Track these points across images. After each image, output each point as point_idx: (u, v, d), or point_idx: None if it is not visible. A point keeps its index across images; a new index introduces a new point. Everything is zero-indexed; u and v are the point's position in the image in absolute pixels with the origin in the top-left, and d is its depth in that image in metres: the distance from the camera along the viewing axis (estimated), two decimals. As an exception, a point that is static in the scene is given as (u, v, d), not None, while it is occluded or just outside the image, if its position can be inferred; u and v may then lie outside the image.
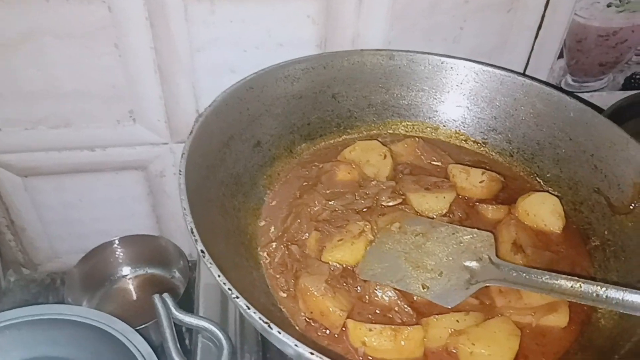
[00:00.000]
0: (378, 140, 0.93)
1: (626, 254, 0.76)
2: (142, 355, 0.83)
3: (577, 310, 0.71)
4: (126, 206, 1.19)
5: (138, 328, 0.86)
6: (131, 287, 1.20)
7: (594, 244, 0.81)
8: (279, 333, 0.49)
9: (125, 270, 1.20)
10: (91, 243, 1.16)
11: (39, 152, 1.05)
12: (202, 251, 0.56)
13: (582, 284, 0.61)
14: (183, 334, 1.04)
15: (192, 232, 0.58)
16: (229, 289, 0.53)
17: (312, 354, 0.48)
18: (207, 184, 0.74)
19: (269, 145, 0.89)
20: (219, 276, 0.54)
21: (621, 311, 0.57)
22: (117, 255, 1.17)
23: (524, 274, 0.65)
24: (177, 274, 1.21)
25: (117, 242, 1.15)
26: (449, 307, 0.67)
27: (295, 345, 0.48)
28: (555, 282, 0.62)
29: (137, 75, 0.96)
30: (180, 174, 0.65)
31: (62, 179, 1.11)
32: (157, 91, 0.99)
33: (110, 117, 1.02)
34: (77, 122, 1.01)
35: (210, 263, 0.55)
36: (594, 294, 0.60)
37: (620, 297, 0.58)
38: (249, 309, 0.51)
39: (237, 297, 0.52)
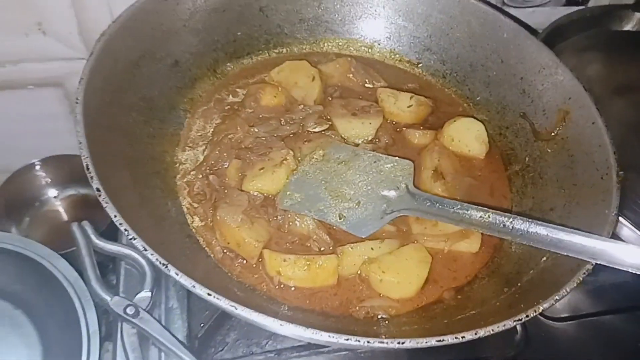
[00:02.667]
0: (307, 61, 0.88)
1: (543, 180, 0.77)
2: (67, 280, 0.81)
3: (489, 237, 0.73)
4: (46, 125, 1.12)
5: (65, 252, 0.83)
6: (61, 209, 1.16)
7: (514, 169, 0.82)
8: (177, 274, 0.48)
9: (52, 192, 1.15)
10: (12, 163, 1.11)
11: (-53, 69, 0.96)
12: (98, 189, 0.53)
13: (490, 215, 0.61)
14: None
15: (88, 169, 0.54)
16: (125, 230, 0.50)
17: (209, 294, 0.47)
18: (112, 110, 0.69)
19: (188, 64, 0.83)
20: (115, 216, 0.51)
21: (526, 244, 0.58)
22: (40, 177, 1.11)
23: (437, 205, 0.65)
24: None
25: (38, 163, 1.10)
26: (363, 237, 0.67)
27: (193, 286, 0.48)
28: (466, 212, 0.63)
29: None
30: (77, 102, 0.60)
31: (-25, 97, 1.03)
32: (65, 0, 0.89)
33: (17, 29, 0.92)
34: (-18, 34, 0.91)
35: (107, 203, 0.52)
36: (501, 225, 0.60)
37: (525, 229, 0.59)
38: (146, 250, 0.49)
39: (134, 239, 0.50)
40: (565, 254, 0.56)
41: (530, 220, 0.59)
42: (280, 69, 0.86)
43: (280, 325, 0.46)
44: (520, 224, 0.60)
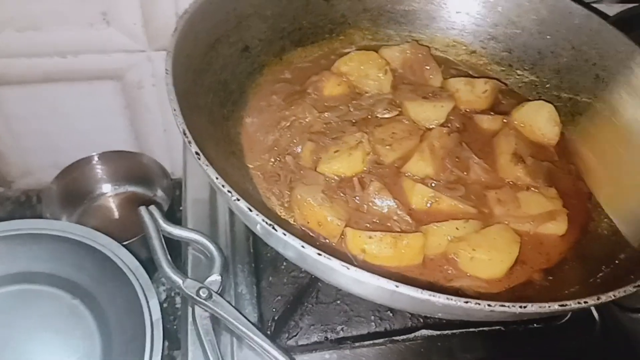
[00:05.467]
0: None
1: (624, 163, 0.75)
2: (129, 269, 0.80)
3: (576, 218, 0.71)
4: (102, 119, 1.12)
5: (123, 244, 0.83)
6: (112, 205, 1.16)
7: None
8: (284, 235, 0.47)
9: (106, 187, 1.15)
10: (66, 158, 1.11)
11: (7, 59, 0.97)
12: (197, 153, 0.52)
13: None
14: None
15: (185, 134, 0.54)
16: (229, 192, 0.49)
17: (319, 254, 0.45)
18: (195, 89, 0.69)
19: (257, 50, 0.83)
20: (216, 178, 0.50)
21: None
22: (96, 172, 1.12)
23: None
24: (160, 193, 1.18)
25: (96, 157, 1.10)
26: None
27: (302, 246, 0.46)
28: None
29: (110, -29, 0.87)
30: (167, 73, 0.60)
31: (33, 89, 1.03)
32: (132, -10, 0.91)
33: (82, 19, 0.93)
34: (47, 25, 0.92)
35: (207, 165, 0.51)
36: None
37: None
38: (251, 211, 0.48)
39: (238, 200, 0.49)
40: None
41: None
42: (348, 59, 0.85)
43: (396, 287, 0.44)
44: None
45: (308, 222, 0.67)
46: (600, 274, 0.61)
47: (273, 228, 0.47)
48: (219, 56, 0.76)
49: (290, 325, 0.70)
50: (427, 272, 0.65)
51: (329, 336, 0.70)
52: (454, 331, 0.69)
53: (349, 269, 0.45)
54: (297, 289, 0.71)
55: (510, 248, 0.64)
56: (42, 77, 1.01)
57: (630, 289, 0.48)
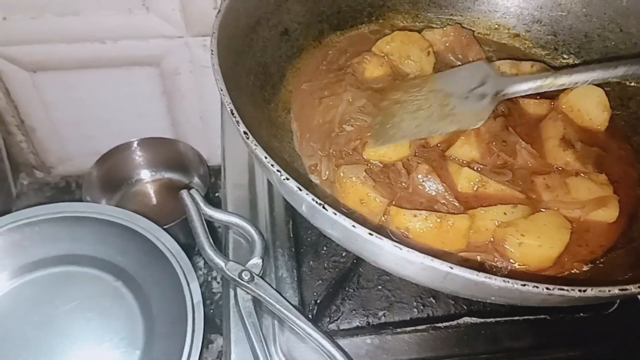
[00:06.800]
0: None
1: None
2: (171, 252, 0.81)
3: (625, 205, 0.68)
4: (139, 106, 1.14)
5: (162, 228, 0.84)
6: (150, 191, 1.18)
7: (639, 138, 0.77)
8: (335, 214, 0.46)
9: (144, 173, 1.17)
10: (103, 145, 1.13)
11: (47, 45, 0.98)
12: (245, 133, 0.52)
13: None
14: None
15: (233, 114, 0.53)
16: (278, 171, 0.49)
17: (370, 234, 0.45)
18: (237, 70, 0.69)
19: (297, 34, 0.83)
20: (265, 158, 0.50)
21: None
22: (135, 158, 1.13)
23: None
24: (196, 180, 1.19)
25: (135, 143, 1.11)
26: (477, 125, 0.67)
27: (353, 226, 0.45)
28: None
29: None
30: (212, 54, 0.60)
31: (72, 75, 1.05)
32: (172, -25, 0.91)
33: (122, 5, 0.94)
34: (86, 10, 0.94)
35: (255, 145, 0.51)
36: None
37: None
38: (300, 190, 0.48)
39: (287, 179, 0.48)
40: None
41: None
42: (390, 39, 0.83)
43: (450, 268, 0.43)
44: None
45: (351, 201, 0.66)
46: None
47: (323, 207, 0.46)
48: (259, 39, 0.76)
49: (331, 310, 0.70)
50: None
51: (370, 321, 0.69)
52: (498, 319, 0.68)
53: (401, 249, 0.44)
54: (338, 274, 0.71)
55: (560, 234, 0.62)
56: (80, 63, 1.03)
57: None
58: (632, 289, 0.44)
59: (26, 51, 0.98)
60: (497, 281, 0.43)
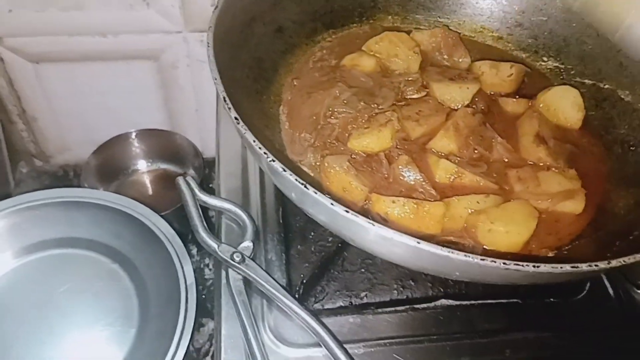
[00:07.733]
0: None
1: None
2: (165, 236, 0.84)
3: (593, 198, 0.73)
4: (137, 98, 1.18)
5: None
6: (146, 181, 1.22)
7: (611, 138, 0.82)
8: (315, 193, 0.50)
9: (140, 164, 1.21)
10: (101, 135, 1.16)
11: (50, 37, 1.02)
12: (236, 118, 0.56)
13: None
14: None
15: (225, 100, 0.58)
16: (265, 153, 0.53)
17: (346, 211, 0.49)
18: (232, 63, 0.73)
19: (290, 31, 0.87)
20: (254, 141, 0.54)
21: None
22: (132, 148, 1.17)
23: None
24: (191, 171, 1.22)
25: (133, 134, 1.15)
26: None
27: (331, 204, 0.50)
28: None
29: (152, -46, 0.92)
30: (208, 46, 0.64)
31: (73, 67, 1.09)
32: (172, -27, 0.95)
33: (123, 1, 0.98)
34: (89, 5, 0.98)
35: (245, 129, 0.55)
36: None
37: None
38: (284, 171, 0.52)
39: (273, 161, 0.52)
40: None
41: None
42: (379, 39, 0.88)
43: (418, 242, 0.48)
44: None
45: (335, 189, 0.70)
46: (615, 248, 0.63)
47: (305, 187, 0.51)
48: (254, 35, 0.80)
49: (317, 290, 0.73)
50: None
51: (353, 301, 0.73)
52: (473, 302, 0.72)
53: (374, 225, 0.49)
54: (324, 257, 0.75)
55: (527, 222, 0.66)
56: (82, 56, 1.07)
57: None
58: (583, 267, 0.48)
59: (30, 43, 1.02)
60: (459, 255, 0.47)
